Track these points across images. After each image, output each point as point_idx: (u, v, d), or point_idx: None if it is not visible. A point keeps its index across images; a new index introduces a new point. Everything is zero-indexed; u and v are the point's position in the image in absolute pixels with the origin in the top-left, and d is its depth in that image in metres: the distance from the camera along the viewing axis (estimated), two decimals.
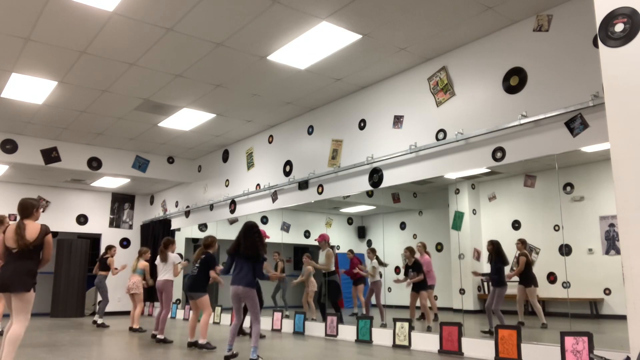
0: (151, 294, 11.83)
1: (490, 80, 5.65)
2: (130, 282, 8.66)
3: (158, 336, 6.95)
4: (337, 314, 7.57)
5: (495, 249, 6.36)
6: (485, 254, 6.59)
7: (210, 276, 6.48)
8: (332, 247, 8.54)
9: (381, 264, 8.03)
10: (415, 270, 6.98)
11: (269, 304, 9.24)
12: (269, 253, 8.22)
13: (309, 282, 8.75)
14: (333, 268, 8.08)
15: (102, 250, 10.51)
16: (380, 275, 8.11)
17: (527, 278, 6.37)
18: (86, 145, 10.16)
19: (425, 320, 6.88)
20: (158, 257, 7.28)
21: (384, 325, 7.05)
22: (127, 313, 11.84)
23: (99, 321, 9.27)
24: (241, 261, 5.29)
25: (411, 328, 6.22)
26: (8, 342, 4.22)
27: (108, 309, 10.10)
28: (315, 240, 8.29)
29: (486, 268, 6.80)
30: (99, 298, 9.72)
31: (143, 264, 8.75)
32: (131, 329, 8.47)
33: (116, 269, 9.50)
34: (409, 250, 7.11)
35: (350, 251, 8.74)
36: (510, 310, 6.50)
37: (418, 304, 7.07)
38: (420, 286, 7.02)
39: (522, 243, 6.57)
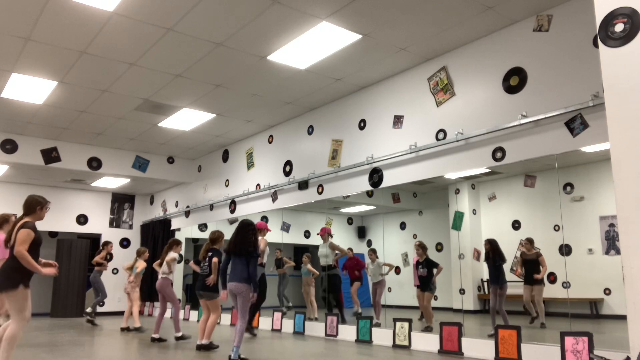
0: (150, 294, 11.86)
1: (490, 80, 5.65)
2: (126, 282, 8.68)
3: (176, 334, 6.93)
4: (338, 313, 7.56)
5: (492, 247, 6.36)
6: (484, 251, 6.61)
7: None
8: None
9: (387, 265, 8.01)
10: (426, 267, 6.95)
11: (275, 302, 9.25)
12: (270, 251, 8.23)
13: (310, 281, 8.74)
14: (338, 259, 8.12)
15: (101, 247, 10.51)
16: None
17: (539, 274, 6.39)
18: (86, 145, 10.16)
19: (426, 320, 6.86)
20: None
21: (377, 324, 7.03)
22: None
23: (88, 310, 9.23)
24: (236, 259, 5.36)
25: (427, 325, 6.30)
26: (4, 341, 4.17)
27: (108, 308, 10.10)
28: (317, 234, 8.29)
29: (484, 268, 6.80)
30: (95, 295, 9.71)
31: (142, 264, 8.75)
32: (123, 329, 8.40)
33: (101, 264, 9.43)
34: (421, 247, 7.07)
35: (350, 249, 8.74)
36: (513, 311, 6.51)
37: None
38: (426, 287, 6.96)
39: (530, 242, 6.57)
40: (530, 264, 6.50)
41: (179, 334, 6.96)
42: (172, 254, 7.20)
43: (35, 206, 4.51)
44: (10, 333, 4.18)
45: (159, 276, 7.15)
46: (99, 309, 10.92)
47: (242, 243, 5.34)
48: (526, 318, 6.38)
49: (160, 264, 7.25)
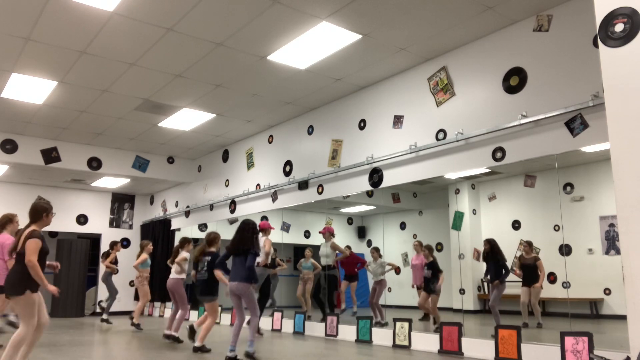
0: (151, 293, 11.85)
1: (490, 80, 5.65)
2: (135, 278, 8.72)
3: (173, 333, 6.81)
4: (336, 313, 7.56)
5: (492, 247, 6.36)
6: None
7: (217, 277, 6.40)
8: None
9: (391, 264, 8.00)
10: (431, 269, 6.94)
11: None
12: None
13: (308, 277, 8.72)
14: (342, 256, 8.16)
15: (107, 247, 10.59)
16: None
17: (536, 278, 6.38)
18: (86, 145, 10.16)
19: (436, 321, 6.84)
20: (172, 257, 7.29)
21: (385, 324, 7.02)
22: (128, 313, 11.84)
23: (104, 317, 9.39)
24: (236, 258, 5.40)
25: (438, 326, 6.30)
26: (10, 343, 4.19)
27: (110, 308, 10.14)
28: (320, 232, 8.28)
29: (484, 267, 6.79)
30: (103, 296, 9.79)
31: (143, 257, 8.77)
32: (133, 323, 8.52)
33: (110, 266, 9.54)
34: (428, 249, 7.07)
35: (348, 247, 8.73)
36: (511, 311, 6.50)
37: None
38: (432, 289, 6.93)
39: (529, 245, 6.55)
40: (528, 268, 6.49)
41: (177, 334, 6.82)
42: (183, 254, 7.14)
43: (41, 213, 4.52)
44: (16, 337, 4.21)
45: (171, 276, 7.11)
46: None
47: (241, 243, 5.37)
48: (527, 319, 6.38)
49: (173, 262, 7.24)
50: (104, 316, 9.45)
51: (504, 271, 6.33)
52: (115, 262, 9.74)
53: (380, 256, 7.88)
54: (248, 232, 5.43)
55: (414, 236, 8.61)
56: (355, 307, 8.23)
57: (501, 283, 6.28)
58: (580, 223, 6.49)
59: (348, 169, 7.29)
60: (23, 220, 6.55)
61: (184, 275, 7.11)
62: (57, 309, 11.61)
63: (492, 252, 6.37)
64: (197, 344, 6.00)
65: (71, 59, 6.34)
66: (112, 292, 9.56)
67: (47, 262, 4.64)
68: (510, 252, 6.74)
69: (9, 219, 6.23)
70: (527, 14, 5.29)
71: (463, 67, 5.99)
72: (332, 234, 8.15)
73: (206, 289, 6.21)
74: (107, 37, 5.76)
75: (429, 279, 6.92)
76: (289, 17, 5.32)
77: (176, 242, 11.82)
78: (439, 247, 8.09)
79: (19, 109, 8.12)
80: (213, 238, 6.40)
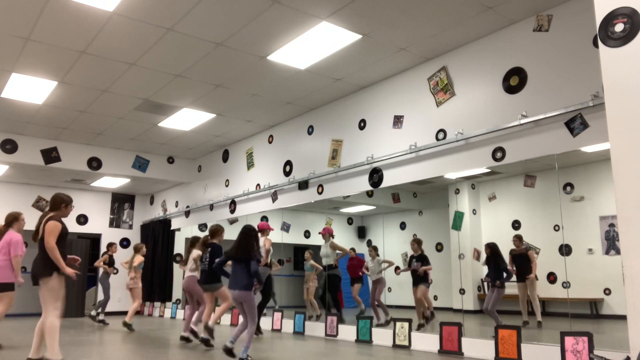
0: (151, 293, 11.87)
1: (490, 80, 5.65)
2: (128, 278, 8.72)
3: (193, 328, 6.78)
4: (337, 313, 7.56)
5: (492, 251, 6.37)
6: (484, 254, 6.60)
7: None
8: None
9: (386, 262, 8.00)
10: (420, 261, 6.94)
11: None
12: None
13: (310, 279, 8.73)
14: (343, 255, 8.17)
15: (104, 248, 10.61)
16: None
17: (529, 269, 6.38)
18: (86, 145, 10.16)
19: (421, 313, 6.83)
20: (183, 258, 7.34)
21: (384, 323, 7.01)
22: (127, 313, 11.84)
23: (99, 317, 9.39)
24: (236, 265, 5.29)
25: (430, 314, 6.29)
26: (46, 334, 4.32)
27: (109, 308, 10.13)
28: (319, 233, 8.29)
29: (484, 268, 6.80)
30: (101, 296, 9.79)
31: (140, 259, 8.78)
32: (125, 323, 8.48)
33: (107, 266, 9.58)
34: (417, 242, 7.09)
35: (352, 249, 8.73)
36: (511, 311, 6.50)
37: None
38: (420, 280, 6.94)
39: (519, 239, 6.57)
40: (520, 259, 6.51)
41: (196, 329, 6.78)
42: (196, 252, 7.13)
43: (60, 203, 4.72)
44: (49, 324, 4.35)
45: (186, 275, 7.14)
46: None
47: (243, 249, 5.24)
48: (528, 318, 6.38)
49: (185, 263, 7.27)
50: (100, 317, 9.45)
51: (505, 275, 6.33)
52: (110, 263, 9.73)
53: (377, 254, 7.90)
54: (251, 238, 5.31)
55: (414, 236, 8.60)
56: (363, 305, 8.18)
57: (501, 285, 6.28)
58: (580, 223, 6.49)
59: (348, 169, 7.29)
60: (27, 219, 6.67)
61: (197, 273, 7.10)
62: None
63: (492, 257, 6.38)
64: (210, 323, 6.17)
65: (71, 59, 6.34)
66: (107, 293, 9.58)
67: (70, 256, 4.77)
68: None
69: (15, 217, 6.34)
70: (527, 14, 5.29)
71: (463, 67, 5.99)
72: (331, 235, 8.17)
73: (209, 277, 6.31)
74: (107, 37, 5.76)
75: (417, 271, 6.91)
76: (289, 17, 5.32)
77: (176, 242, 11.93)
78: (439, 247, 8.09)
79: (19, 109, 8.12)
80: (215, 230, 6.60)
